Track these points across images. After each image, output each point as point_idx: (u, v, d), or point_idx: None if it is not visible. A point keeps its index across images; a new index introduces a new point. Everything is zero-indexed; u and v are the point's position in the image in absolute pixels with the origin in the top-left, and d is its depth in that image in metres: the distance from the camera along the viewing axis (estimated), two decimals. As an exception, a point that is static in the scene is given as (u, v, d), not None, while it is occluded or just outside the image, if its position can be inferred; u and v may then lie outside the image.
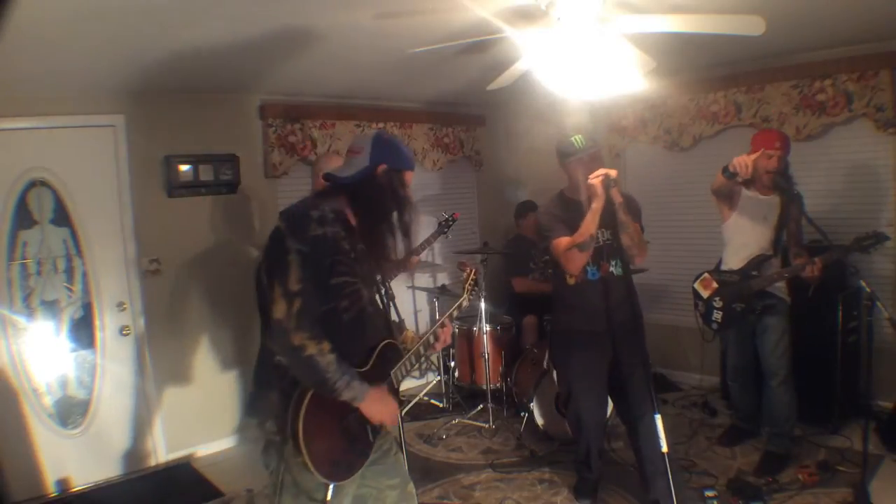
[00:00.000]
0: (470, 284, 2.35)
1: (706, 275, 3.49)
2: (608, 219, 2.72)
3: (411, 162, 1.96)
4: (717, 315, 3.40)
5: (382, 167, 1.87)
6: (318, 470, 1.70)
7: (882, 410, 3.60)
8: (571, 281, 2.86)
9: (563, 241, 2.77)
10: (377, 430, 1.93)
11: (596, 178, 2.65)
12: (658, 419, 2.34)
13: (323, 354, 1.66)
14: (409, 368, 2.03)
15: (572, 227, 2.76)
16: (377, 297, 2.01)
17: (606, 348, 2.86)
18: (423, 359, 2.08)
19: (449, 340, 2.17)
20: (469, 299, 2.34)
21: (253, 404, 1.88)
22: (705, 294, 3.46)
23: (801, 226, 3.30)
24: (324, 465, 1.72)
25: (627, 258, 2.79)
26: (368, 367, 1.86)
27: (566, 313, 2.99)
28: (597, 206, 2.66)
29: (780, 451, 3.33)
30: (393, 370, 1.97)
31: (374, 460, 1.96)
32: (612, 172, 2.65)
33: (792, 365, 3.31)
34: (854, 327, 3.68)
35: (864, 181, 3.88)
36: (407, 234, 1.94)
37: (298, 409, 1.69)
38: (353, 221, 1.86)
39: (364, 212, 1.87)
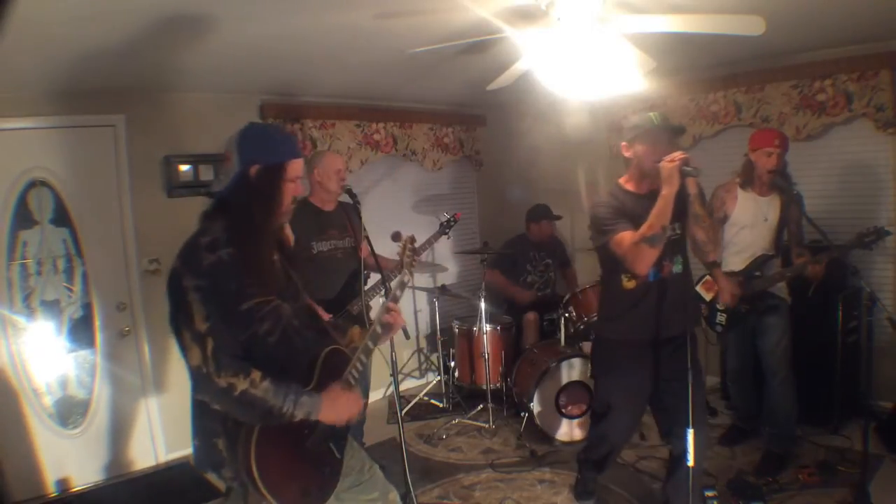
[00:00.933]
0: (408, 256, 2.09)
1: (708, 277, 3.48)
2: (675, 210, 2.37)
3: (290, 150, 1.73)
4: (721, 317, 3.38)
5: (255, 168, 1.66)
6: None
7: (882, 410, 3.59)
8: (630, 285, 2.53)
9: (627, 235, 2.40)
10: (342, 444, 1.83)
11: (672, 161, 2.31)
12: (690, 433, 2.19)
13: (256, 386, 1.53)
14: (361, 367, 1.85)
15: (636, 222, 2.42)
16: (302, 306, 1.84)
17: (653, 361, 2.59)
18: (372, 352, 1.89)
19: (401, 322, 1.95)
20: (410, 273, 2.07)
21: (202, 456, 1.73)
22: (708, 297, 3.44)
23: (802, 226, 3.30)
24: (293, 498, 1.61)
25: (690, 254, 2.49)
26: (314, 383, 1.71)
27: (618, 321, 2.66)
28: (668, 192, 2.31)
29: (781, 450, 3.32)
30: (344, 374, 1.81)
31: (352, 483, 1.89)
32: (691, 159, 2.34)
33: (792, 364, 3.31)
34: (854, 327, 3.67)
35: (864, 181, 3.88)
36: (281, 241, 1.74)
37: (248, 451, 1.55)
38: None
39: (240, 224, 1.65)
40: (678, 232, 2.52)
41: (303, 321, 1.79)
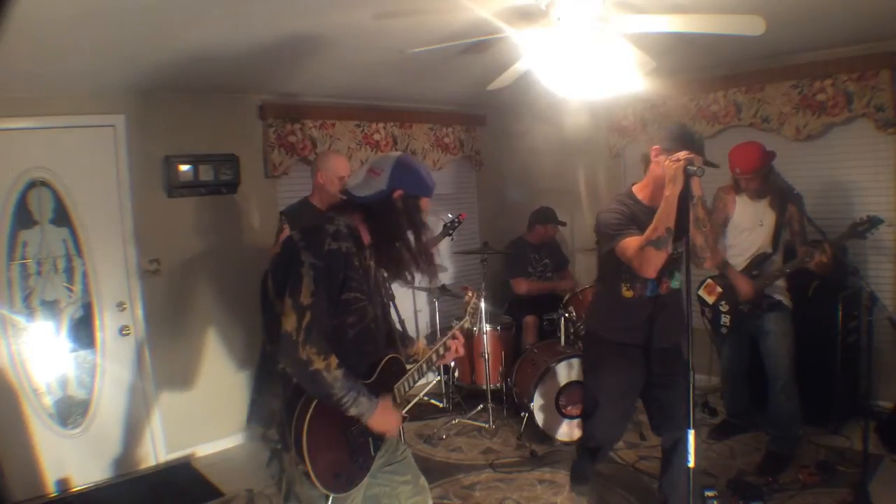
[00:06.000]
0: (472, 308, 2.31)
1: (709, 280, 3.46)
2: (678, 224, 2.31)
3: (429, 189, 1.96)
4: (726, 319, 3.38)
5: (399, 192, 1.88)
6: (320, 481, 1.71)
7: (882, 410, 3.60)
8: (629, 294, 2.56)
9: (633, 240, 2.40)
10: (378, 444, 1.93)
11: (677, 162, 2.25)
12: (690, 434, 2.15)
13: (329, 371, 1.68)
14: (412, 384, 2.04)
15: (643, 228, 2.41)
16: (382, 313, 2.01)
17: (643, 360, 2.61)
18: (425, 373, 2.10)
19: (457, 354, 2.15)
20: (470, 321, 2.29)
21: (254, 412, 1.89)
22: (711, 300, 3.43)
23: (805, 224, 3.29)
24: (326, 476, 1.73)
25: (692, 264, 2.38)
26: (372, 379, 1.88)
27: (612, 324, 2.69)
28: (671, 192, 2.27)
29: (784, 452, 3.33)
30: (396, 385, 1.98)
31: (385, 462, 1.99)
32: (697, 158, 2.27)
33: (794, 367, 3.29)
34: (854, 327, 3.67)
35: (865, 181, 3.88)
36: (422, 256, 1.96)
37: (303, 418, 1.70)
38: (365, 239, 1.89)
39: (378, 233, 1.89)
40: (679, 251, 2.45)
41: (379, 326, 1.95)
